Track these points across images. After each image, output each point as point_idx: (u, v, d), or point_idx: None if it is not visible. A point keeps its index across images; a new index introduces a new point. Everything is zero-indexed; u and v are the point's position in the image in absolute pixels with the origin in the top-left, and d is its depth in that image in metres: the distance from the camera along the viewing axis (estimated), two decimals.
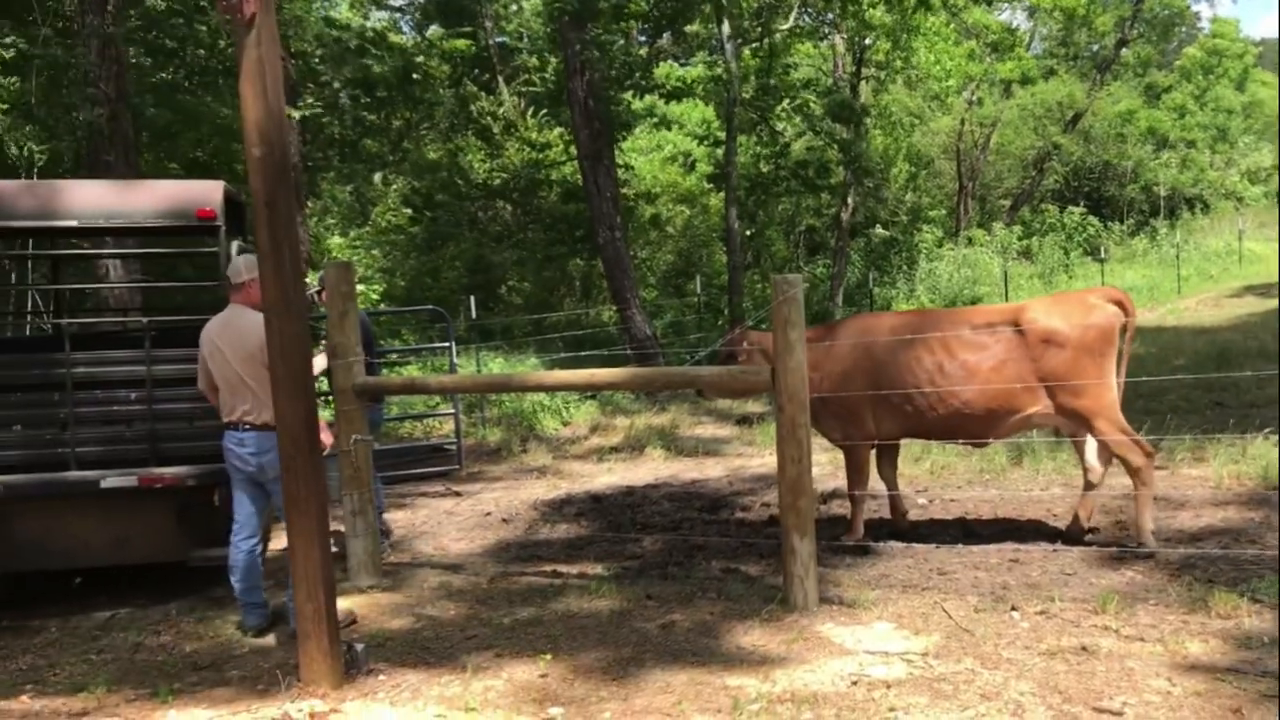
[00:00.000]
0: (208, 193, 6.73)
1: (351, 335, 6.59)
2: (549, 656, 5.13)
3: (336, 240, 19.78)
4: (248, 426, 5.66)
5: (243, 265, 5.82)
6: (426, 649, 5.44)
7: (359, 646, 5.16)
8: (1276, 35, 44.00)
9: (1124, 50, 34.82)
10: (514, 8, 24.48)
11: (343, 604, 5.90)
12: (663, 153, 29.43)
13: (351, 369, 6.57)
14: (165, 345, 6.88)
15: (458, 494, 9.81)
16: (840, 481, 8.17)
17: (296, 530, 4.86)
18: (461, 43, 18.23)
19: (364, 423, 6.71)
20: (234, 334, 5.68)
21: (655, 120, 26.76)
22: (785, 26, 22.05)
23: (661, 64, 23.19)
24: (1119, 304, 6.60)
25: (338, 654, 4.94)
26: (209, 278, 6.99)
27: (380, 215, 19.96)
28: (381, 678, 5.03)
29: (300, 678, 4.92)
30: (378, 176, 20.95)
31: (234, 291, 5.85)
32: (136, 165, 13.25)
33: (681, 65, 25.29)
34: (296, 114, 15.13)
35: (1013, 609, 5.45)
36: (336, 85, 16.62)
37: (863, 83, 26.69)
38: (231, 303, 5.87)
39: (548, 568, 6.95)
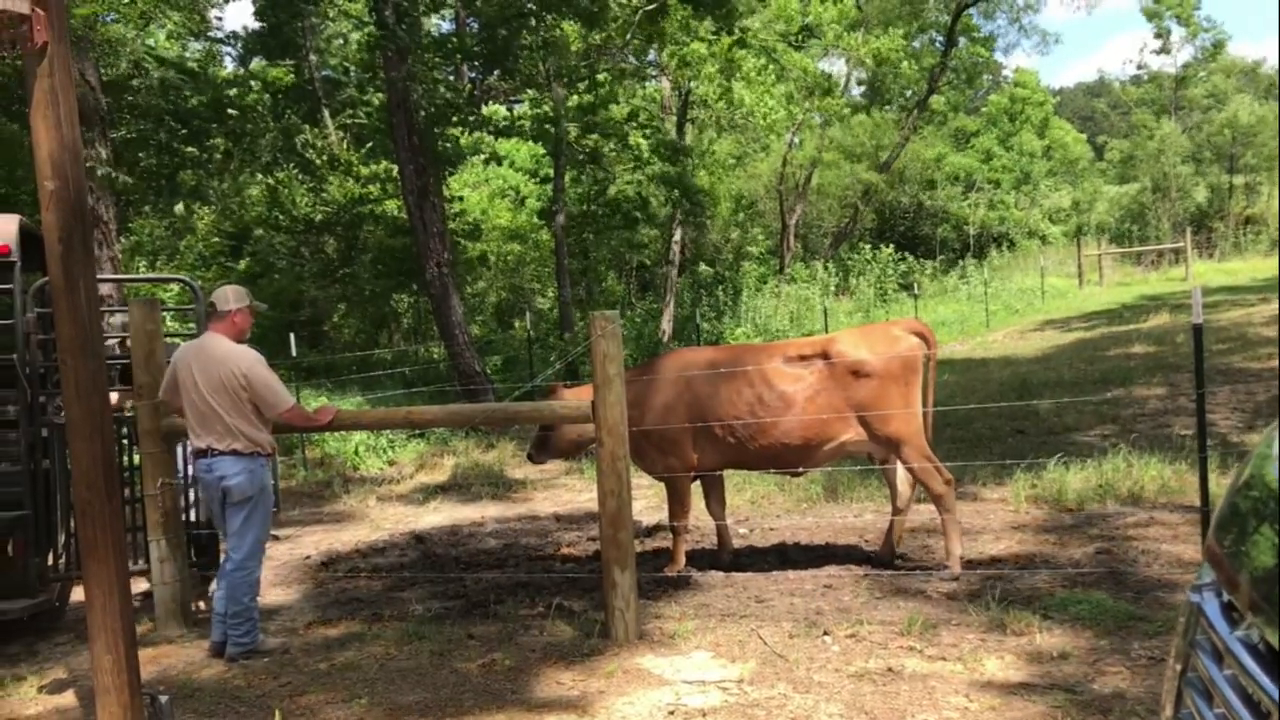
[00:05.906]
0: (1, 227, 6.40)
1: (157, 375, 6.35)
2: (364, 700, 5.03)
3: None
4: (216, 453, 5.73)
5: (231, 294, 5.97)
6: (237, 698, 5.25)
7: (163, 699, 4.93)
8: (1276, 51, 46.89)
9: (934, 96, 36.62)
10: (338, 41, 24.13)
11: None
12: (491, 187, 29.37)
13: (158, 409, 6.32)
14: None
15: (275, 538, 9.49)
16: (665, 515, 8.27)
17: (94, 578, 4.61)
18: (282, 73, 17.82)
19: (172, 466, 6.48)
20: (205, 362, 5.74)
21: (485, 156, 26.70)
22: (608, 68, 22.37)
23: (491, 103, 23.22)
24: (920, 335, 6.93)
25: (139, 707, 4.71)
26: (4, 316, 6.62)
27: (190, 247, 19.27)
28: None
29: None
30: (179, 207, 20.26)
31: (216, 320, 5.92)
32: None
33: (511, 105, 25.40)
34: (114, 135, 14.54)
35: (825, 633, 5.62)
36: (151, 117, 16.07)
37: (688, 124, 27.24)
38: (209, 330, 5.94)
39: (367, 611, 6.80)
